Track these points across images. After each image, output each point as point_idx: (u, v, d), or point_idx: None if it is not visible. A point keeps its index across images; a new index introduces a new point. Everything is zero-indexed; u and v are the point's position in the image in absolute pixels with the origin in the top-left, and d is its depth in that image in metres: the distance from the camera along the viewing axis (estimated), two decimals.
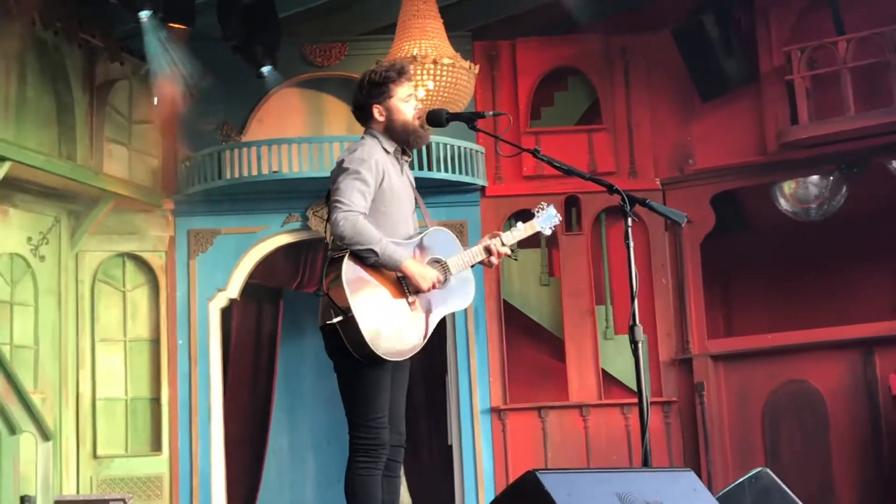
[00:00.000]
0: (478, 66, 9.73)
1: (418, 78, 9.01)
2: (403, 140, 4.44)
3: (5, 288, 9.38)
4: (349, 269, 4.17)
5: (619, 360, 10.08)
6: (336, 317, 4.12)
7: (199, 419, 9.95)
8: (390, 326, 4.20)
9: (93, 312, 10.02)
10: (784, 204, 10.34)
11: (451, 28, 9.63)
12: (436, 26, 9.40)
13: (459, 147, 10.04)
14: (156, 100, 10.00)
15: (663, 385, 10.15)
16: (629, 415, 9.78)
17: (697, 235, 10.23)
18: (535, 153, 4.53)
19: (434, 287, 4.30)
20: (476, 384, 10.11)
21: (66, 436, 9.67)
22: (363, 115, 4.51)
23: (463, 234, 9.95)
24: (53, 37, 9.32)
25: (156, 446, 9.98)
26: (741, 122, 10.11)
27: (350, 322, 4.10)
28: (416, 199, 4.57)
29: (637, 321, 4.23)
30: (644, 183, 10.24)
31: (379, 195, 4.32)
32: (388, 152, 4.43)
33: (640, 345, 4.23)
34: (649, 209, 4.45)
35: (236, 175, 9.85)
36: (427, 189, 8.86)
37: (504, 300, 10.32)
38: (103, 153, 9.82)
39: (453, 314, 9.61)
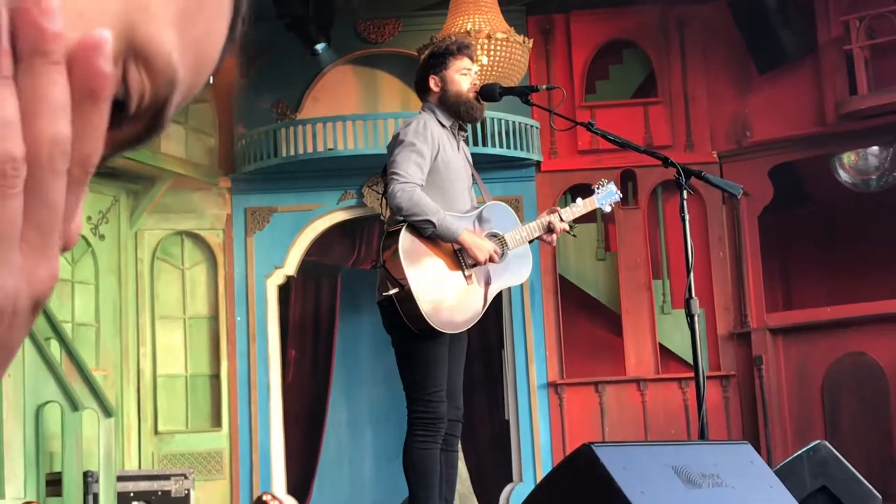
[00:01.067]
0: (532, 41, 9.68)
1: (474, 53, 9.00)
2: (457, 111, 4.45)
3: (66, 267, 9.51)
4: (406, 240, 4.20)
5: (676, 334, 10.04)
6: (392, 289, 4.14)
7: (259, 395, 10.05)
8: (446, 299, 4.22)
9: (152, 290, 10.14)
10: (844, 175, 10.22)
11: (504, 2, 9.60)
12: (489, 1, 9.37)
13: (514, 122, 10.02)
14: (211, 79, 10.07)
15: (721, 359, 10.09)
16: (687, 389, 9.75)
17: (755, 208, 10.14)
18: (589, 126, 4.52)
19: (491, 260, 4.32)
20: (532, 359, 10.11)
21: (128, 412, 9.81)
22: (421, 88, 4.54)
23: (518, 210, 9.94)
24: None
25: (216, 422, 10.09)
26: (799, 94, 10.00)
27: (406, 294, 4.13)
28: (472, 174, 4.59)
29: (693, 294, 4.22)
30: (701, 156, 10.16)
31: (434, 169, 4.34)
32: (444, 126, 4.45)
33: (696, 318, 4.22)
34: (705, 182, 4.43)
35: (292, 153, 9.90)
36: (482, 164, 8.85)
37: (560, 275, 10.30)
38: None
39: (509, 289, 9.61)
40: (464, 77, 4.48)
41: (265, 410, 10.04)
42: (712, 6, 10.30)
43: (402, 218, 4.23)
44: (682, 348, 9.99)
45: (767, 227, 10.28)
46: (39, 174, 0.46)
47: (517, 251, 4.48)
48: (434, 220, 4.18)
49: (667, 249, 10.36)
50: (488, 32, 9.09)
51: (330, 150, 9.86)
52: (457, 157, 4.47)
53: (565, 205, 4.70)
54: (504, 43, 9.16)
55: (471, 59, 4.56)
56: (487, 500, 10.23)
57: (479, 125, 9.61)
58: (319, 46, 9.77)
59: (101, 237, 9.79)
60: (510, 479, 10.07)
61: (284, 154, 9.92)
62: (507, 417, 10.25)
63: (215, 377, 10.17)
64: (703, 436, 4.16)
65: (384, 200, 4.35)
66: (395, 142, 4.35)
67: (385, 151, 4.51)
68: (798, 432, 9.68)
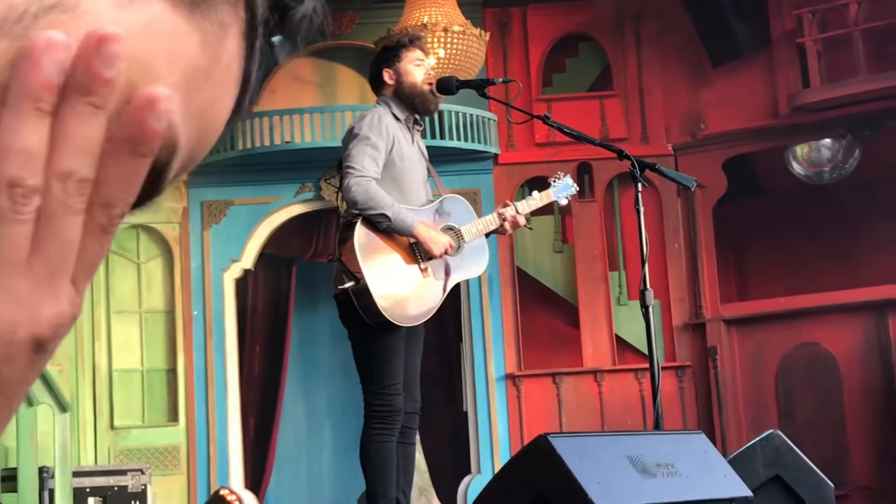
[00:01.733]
0: (488, 34, 9.71)
1: (428, 45, 9.00)
2: (412, 102, 4.47)
3: None
4: (361, 234, 4.21)
5: (632, 325, 10.10)
6: (348, 282, 4.16)
7: (216, 389, 10.02)
8: (402, 292, 4.23)
9: (107, 284, 10.07)
10: (797, 168, 10.32)
11: None
12: None
13: (471, 115, 10.04)
14: None
15: (676, 350, 10.17)
16: (643, 380, 9.81)
17: (710, 200, 10.22)
18: (545, 119, 4.55)
19: (446, 253, 4.33)
20: (491, 351, 10.14)
21: (83, 407, 9.75)
22: (376, 83, 4.55)
23: (476, 202, 9.96)
24: None
25: (172, 417, 10.05)
26: (753, 87, 10.08)
27: (362, 287, 4.14)
28: (428, 167, 4.60)
29: (648, 286, 4.26)
30: (656, 148, 10.23)
31: (389, 162, 4.35)
32: (398, 120, 4.46)
33: (650, 309, 4.26)
34: (660, 174, 4.47)
35: (249, 146, 9.87)
36: (439, 157, 8.86)
37: (518, 267, 10.34)
38: None
39: (467, 281, 9.64)
40: (417, 68, 4.50)
41: (222, 405, 10.01)
42: (667, 0, 10.35)
43: (357, 211, 4.23)
44: (639, 339, 10.05)
45: (722, 219, 10.36)
46: (51, 206, 0.47)
47: (474, 244, 4.50)
48: (389, 213, 4.19)
49: (623, 241, 10.42)
50: (445, 25, 9.10)
51: (287, 142, 9.83)
52: (412, 150, 4.48)
53: (523, 197, 4.72)
54: (461, 36, 9.17)
55: (423, 50, 4.58)
56: (446, 491, 10.26)
57: (436, 118, 9.62)
58: (276, 39, 9.74)
59: None
60: (468, 471, 10.10)
61: (241, 147, 9.89)
62: (465, 409, 10.28)
63: (172, 371, 10.12)
64: (658, 426, 4.20)
65: (340, 194, 4.36)
66: (350, 135, 4.35)
67: (342, 142, 4.51)
68: (752, 422, 9.78)
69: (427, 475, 10.45)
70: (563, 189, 4.85)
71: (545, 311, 10.61)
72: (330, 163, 9.47)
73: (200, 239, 10.21)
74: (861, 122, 9.82)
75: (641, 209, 4.32)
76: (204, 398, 10.01)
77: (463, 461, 10.18)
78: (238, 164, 10.05)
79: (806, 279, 10.38)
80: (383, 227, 4.22)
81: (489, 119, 10.18)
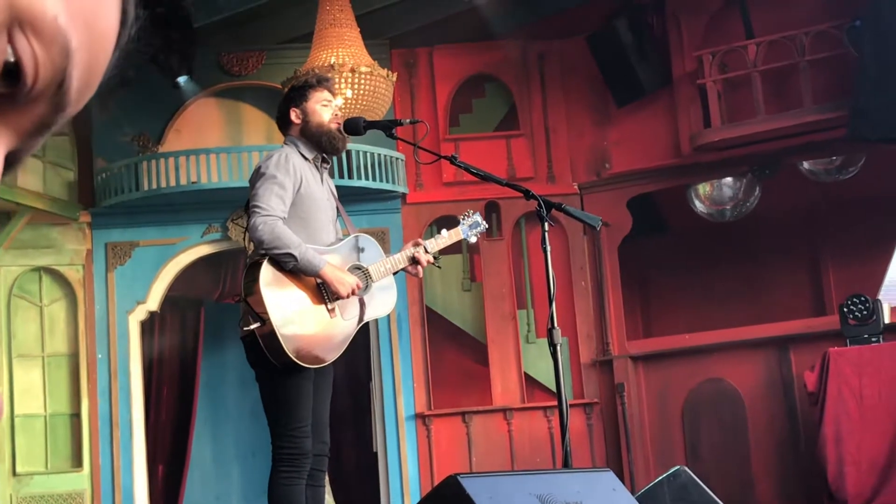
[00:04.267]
0: (395, 74, 9.75)
1: (335, 86, 9.01)
2: (318, 141, 4.47)
3: None
4: (267, 274, 4.18)
5: (540, 363, 10.15)
6: (254, 323, 4.12)
7: (121, 434, 9.85)
8: (309, 333, 4.21)
9: (9, 328, 9.86)
10: (699, 206, 10.50)
11: (368, 36, 9.64)
12: (353, 35, 9.40)
13: (379, 154, 10.05)
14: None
15: (584, 387, 10.24)
16: (552, 417, 9.85)
17: (615, 238, 10.34)
18: (452, 160, 4.58)
19: (353, 293, 4.32)
20: (400, 390, 10.12)
21: None
22: (283, 122, 4.55)
23: (385, 242, 9.96)
24: None
25: (76, 462, 9.85)
26: (656, 126, 10.25)
27: (268, 328, 4.11)
28: (337, 207, 4.60)
29: (555, 324, 4.29)
30: (562, 188, 10.33)
31: (297, 201, 4.34)
32: (306, 159, 4.46)
33: (558, 347, 4.29)
34: (565, 214, 4.52)
35: (154, 186, 9.76)
36: (347, 197, 8.85)
37: (427, 306, 10.34)
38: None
39: (376, 321, 9.62)
40: (325, 108, 4.51)
41: (127, 449, 9.84)
42: (572, 41, 10.50)
43: (263, 251, 4.21)
44: (547, 377, 10.10)
45: (627, 257, 10.48)
46: None
47: (381, 283, 4.50)
48: (296, 253, 4.18)
49: (531, 279, 10.49)
50: (352, 66, 9.12)
51: (193, 183, 9.74)
52: (320, 189, 4.47)
53: (431, 236, 4.73)
54: (368, 76, 9.20)
55: (331, 91, 4.59)
56: None
57: (344, 157, 9.62)
58: (181, 79, 9.67)
59: None
60: None
61: (146, 187, 9.78)
62: (374, 450, 10.23)
63: (76, 416, 9.93)
64: (567, 463, 4.22)
65: (248, 234, 4.34)
66: (257, 175, 4.34)
67: (249, 182, 4.50)
68: (660, 458, 9.87)
69: None
70: (472, 227, 4.88)
71: (454, 349, 10.62)
72: (237, 203, 9.41)
73: (105, 281, 10.06)
74: (761, 161, 10.03)
75: (548, 248, 4.36)
76: (109, 443, 9.82)
77: (373, 502, 10.12)
78: (143, 205, 9.93)
79: (710, 315, 10.54)
80: (289, 266, 4.20)
81: (397, 158, 10.20)
